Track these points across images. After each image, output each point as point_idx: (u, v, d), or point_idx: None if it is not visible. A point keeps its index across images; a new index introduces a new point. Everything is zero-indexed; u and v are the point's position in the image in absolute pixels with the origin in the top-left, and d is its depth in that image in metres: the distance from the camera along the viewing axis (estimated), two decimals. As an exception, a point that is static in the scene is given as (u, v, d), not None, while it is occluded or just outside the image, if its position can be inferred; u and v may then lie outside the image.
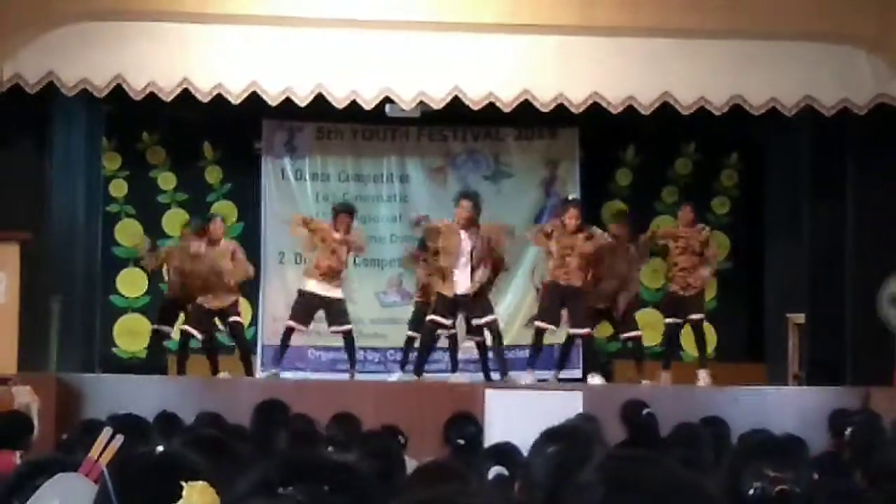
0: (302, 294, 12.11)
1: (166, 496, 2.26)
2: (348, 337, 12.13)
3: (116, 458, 2.57)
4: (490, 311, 11.92)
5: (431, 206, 13.52)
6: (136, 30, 11.35)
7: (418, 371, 11.75)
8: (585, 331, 11.95)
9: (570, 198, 12.68)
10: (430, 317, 11.75)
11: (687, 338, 12.81)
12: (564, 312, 11.97)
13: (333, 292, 11.97)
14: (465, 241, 11.70)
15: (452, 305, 11.80)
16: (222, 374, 12.01)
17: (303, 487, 1.91)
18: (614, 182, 14.84)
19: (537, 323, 12.04)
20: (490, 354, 12.08)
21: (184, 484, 2.26)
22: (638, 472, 2.00)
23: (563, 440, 3.90)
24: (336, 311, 12.03)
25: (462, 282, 11.68)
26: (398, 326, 13.01)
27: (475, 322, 11.86)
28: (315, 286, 11.96)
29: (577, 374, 12.97)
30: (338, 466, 2.02)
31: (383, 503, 2.06)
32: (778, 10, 11.15)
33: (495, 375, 11.88)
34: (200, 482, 2.28)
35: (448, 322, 11.81)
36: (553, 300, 11.94)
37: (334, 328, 12.11)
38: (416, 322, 12.17)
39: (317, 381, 12.24)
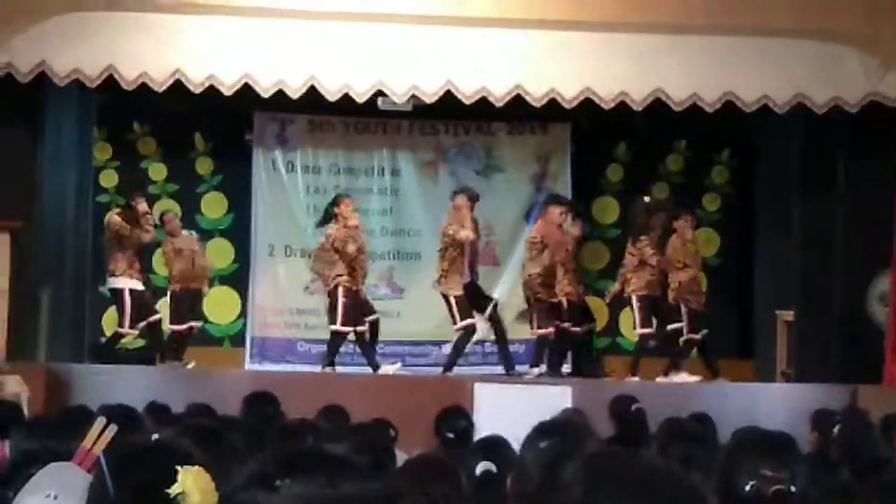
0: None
1: (162, 483, 2.26)
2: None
3: (111, 447, 2.57)
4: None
5: (422, 201, 13.51)
6: (129, 20, 11.33)
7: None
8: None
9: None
10: (467, 321, 11.93)
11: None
12: None
13: None
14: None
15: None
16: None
17: (300, 480, 1.91)
18: (605, 178, 14.84)
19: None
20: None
21: (179, 469, 2.27)
22: (618, 467, 2.00)
23: (556, 434, 3.91)
24: None
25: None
26: (388, 320, 13.01)
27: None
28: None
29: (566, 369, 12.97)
30: (334, 459, 2.03)
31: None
32: (771, 7, 11.14)
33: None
34: (196, 467, 2.28)
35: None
36: None
37: None
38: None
39: (306, 374, 12.23)
